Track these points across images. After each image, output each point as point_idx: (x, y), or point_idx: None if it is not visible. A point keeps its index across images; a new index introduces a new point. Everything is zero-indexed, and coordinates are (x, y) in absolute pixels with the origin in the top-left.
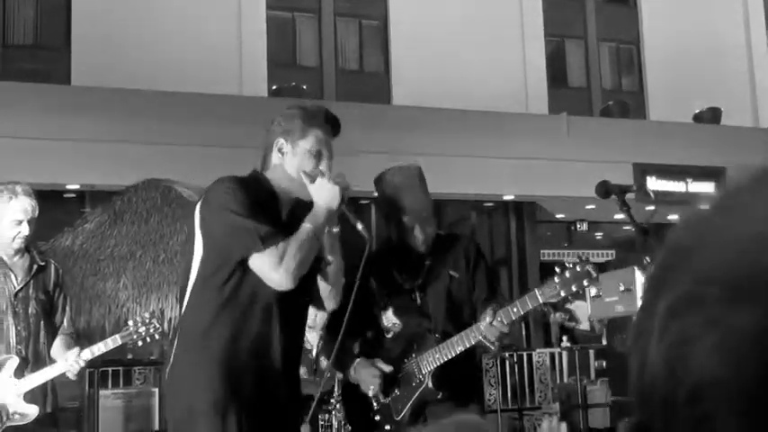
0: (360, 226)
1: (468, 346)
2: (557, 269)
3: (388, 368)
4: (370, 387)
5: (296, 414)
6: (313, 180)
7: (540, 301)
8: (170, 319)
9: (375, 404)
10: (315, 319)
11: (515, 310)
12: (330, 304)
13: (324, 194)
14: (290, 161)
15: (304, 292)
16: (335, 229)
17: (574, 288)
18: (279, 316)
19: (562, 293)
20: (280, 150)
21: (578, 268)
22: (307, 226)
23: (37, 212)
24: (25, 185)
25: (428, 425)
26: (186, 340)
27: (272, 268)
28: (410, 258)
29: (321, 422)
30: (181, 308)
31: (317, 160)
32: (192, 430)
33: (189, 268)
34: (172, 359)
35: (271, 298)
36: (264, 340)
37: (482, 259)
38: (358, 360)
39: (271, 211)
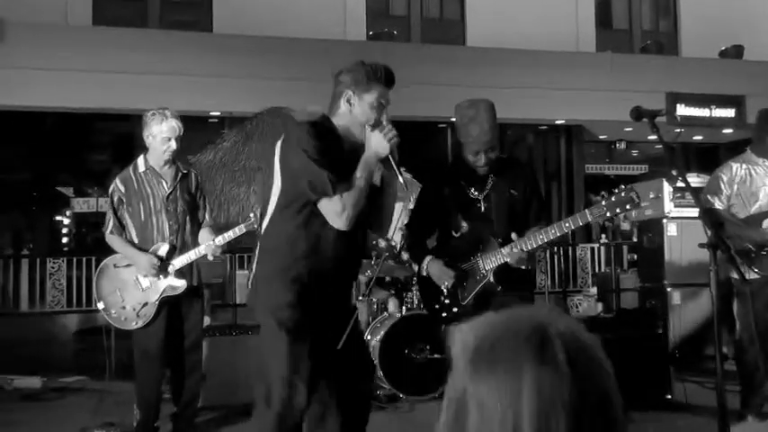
0: (401, 178)
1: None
2: (603, 194)
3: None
4: (445, 282)
5: (349, 299)
6: (372, 130)
7: (589, 220)
8: None
9: (445, 291)
10: (398, 221)
11: (567, 225)
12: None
13: (374, 144)
14: (356, 111)
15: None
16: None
17: (618, 211)
18: (345, 235)
19: (608, 215)
20: (348, 101)
21: (623, 194)
22: (359, 175)
23: (182, 132)
24: (173, 110)
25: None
26: (268, 252)
27: (336, 215)
28: (476, 174)
29: (406, 300)
30: (261, 229)
31: (379, 111)
32: (281, 316)
33: (268, 198)
34: (255, 268)
35: None
36: (336, 252)
37: (537, 186)
38: (429, 258)
39: (336, 151)
